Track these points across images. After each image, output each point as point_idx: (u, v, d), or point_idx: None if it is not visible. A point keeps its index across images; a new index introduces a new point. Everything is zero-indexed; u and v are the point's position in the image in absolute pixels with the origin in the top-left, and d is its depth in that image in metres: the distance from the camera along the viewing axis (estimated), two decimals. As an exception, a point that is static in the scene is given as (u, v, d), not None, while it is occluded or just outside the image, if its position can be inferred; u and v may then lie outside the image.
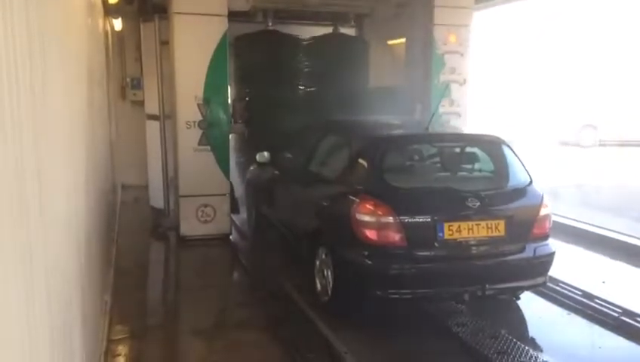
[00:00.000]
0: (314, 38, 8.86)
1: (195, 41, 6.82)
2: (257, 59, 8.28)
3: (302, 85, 8.56)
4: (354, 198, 4.64)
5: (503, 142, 5.11)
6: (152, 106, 8.28)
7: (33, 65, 1.77)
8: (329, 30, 9.10)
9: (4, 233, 1.29)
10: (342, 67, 8.55)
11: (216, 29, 6.84)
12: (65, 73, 2.77)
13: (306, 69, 8.72)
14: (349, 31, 9.66)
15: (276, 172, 6.68)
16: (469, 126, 7.84)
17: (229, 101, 7.42)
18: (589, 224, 7.56)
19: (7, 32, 1.40)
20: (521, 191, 4.93)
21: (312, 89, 8.53)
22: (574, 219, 7.61)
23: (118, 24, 9.18)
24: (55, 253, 2.06)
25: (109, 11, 7.98)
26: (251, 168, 7.71)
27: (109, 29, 8.61)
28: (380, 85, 9.14)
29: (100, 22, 6.81)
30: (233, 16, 7.54)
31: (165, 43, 7.45)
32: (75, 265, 2.74)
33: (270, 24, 8.43)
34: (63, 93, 2.62)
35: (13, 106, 1.44)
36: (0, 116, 1.30)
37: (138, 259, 6.91)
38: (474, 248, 4.60)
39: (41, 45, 1.94)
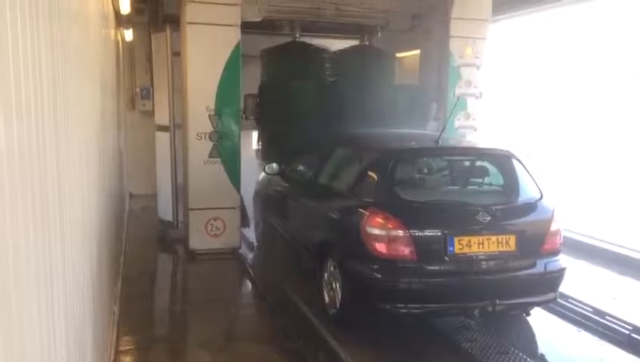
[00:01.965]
0: (340, 50, 8.88)
1: (208, 51, 6.83)
2: (284, 70, 8.25)
3: (325, 94, 8.43)
4: (364, 211, 4.63)
5: (514, 156, 5.10)
6: (162, 117, 8.31)
7: (56, 76, 1.79)
8: (353, 43, 9.11)
9: (29, 236, 1.30)
10: (366, 79, 8.48)
11: (229, 39, 6.85)
12: (81, 83, 2.80)
13: (330, 79, 8.70)
14: (352, 42, 9.68)
15: (285, 183, 6.68)
16: (484, 140, 7.78)
17: (241, 110, 7.37)
18: (598, 239, 7.51)
19: (33, 45, 1.42)
20: (531, 206, 4.91)
21: (335, 98, 8.40)
22: (582, 234, 7.56)
23: (129, 35, 9.26)
24: (71, 260, 2.06)
25: (121, 22, 8.05)
26: (260, 179, 7.71)
27: (120, 39, 8.68)
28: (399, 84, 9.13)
29: (112, 32, 6.87)
30: (259, 28, 7.60)
31: (177, 54, 7.49)
32: (88, 272, 2.74)
33: (297, 36, 8.44)
34: (79, 101, 2.65)
35: (37, 111, 1.46)
36: (26, 123, 1.32)
37: (146, 271, 6.90)
38: (484, 263, 4.58)
39: (62, 57, 1.96)
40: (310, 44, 8.52)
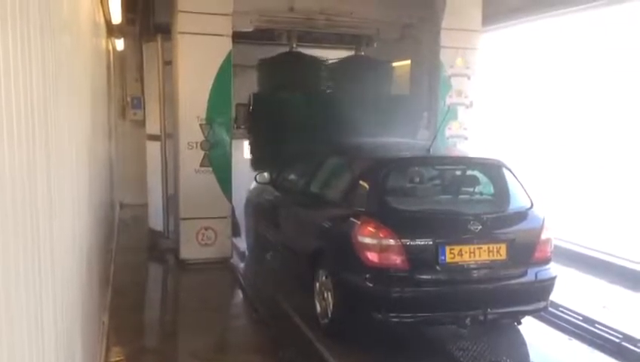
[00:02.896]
0: (336, 60, 8.95)
1: (199, 61, 6.84)
2: (280, 80, 8.29)
3: (317, 104, 8.47)
4: (355, 220, 4.64)
5: (504, 165, 5.13)
6: (153, 126, 8.28)
7: (46, 85, 1.78)
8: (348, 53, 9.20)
9: (19, 245, 1.29)
10: (359, 88, 8.51)
11: (221, 49, 6.86)
12: (72, 92, 2.79)
13: (326, 89, 8.74)
14: (348, 52, 9.77)
15: (277, 192, 6.67)
16: (475, 149, 7.82)
17: (232, 119, 7.37)
18: (588, 248, 7.54)
19: (24, 54, 1.42)
20: (522, 215, 4.94)
21: (327, 108, 8.43)
22: (573, 243, 7.60)
23: (120, 44, 9.26)
24: (61, 270, 2.05)
25: (112, 31, 8.05)
26: (251, 188, 7.69)
27: (111, 49, 8.67)
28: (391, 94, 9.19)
29: (103, 42, 6.87)
30: (256, 38, 7.62)
31: (168, 63, 7.48)
32: (77, 282, 2.72)
33: (294, 46, 8.50)
34: (70, 110, 2.64)
35: (28, 121, 1.46)
36: (17, 132, 1.32)
37: (136, 281, 6.84)
38: (475, 272, 4.59)
39: (53, 66, 1.96)
40: (306, 54, 8.57)
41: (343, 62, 8.89)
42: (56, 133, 1.96)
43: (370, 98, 8.28)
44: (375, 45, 8.94)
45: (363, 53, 9.04)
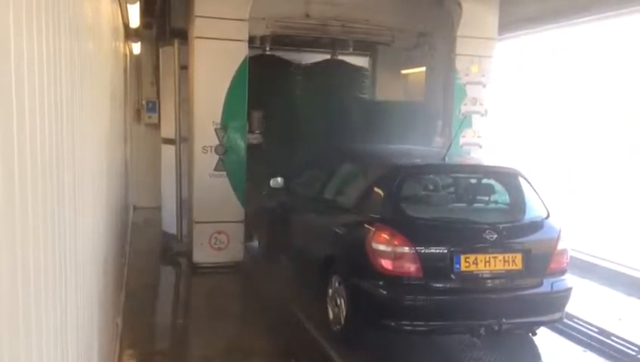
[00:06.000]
0: (313, 63, 9.11)
1: (215, 66, 6.86)
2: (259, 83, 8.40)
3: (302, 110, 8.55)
4: (370, 227, 4.62)
5: (520, 174, 5.09)
6: (168, 130, 8.33)
7: (74, 88, 1.80)
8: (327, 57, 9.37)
9: (47, 250, 1.30)
10: (341, 91, 8.67)
11: (237, 54, 6.89)
12: (95, 95, 2.82)
13: (306, 94, 8.90)
14: (363, 59, 9.82)
15: (290, 198, 6.67)
16: (489, 157, 7.78)
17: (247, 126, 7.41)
18: (604, 259, 7.47)
19: (56, 58, 1.44)
20: (538, 225, 4.90)
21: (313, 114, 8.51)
22: (589, 254, 7.52)
23: (136, 48, 9.33)
24: (83, 273, 2.06)
25: (129, 35, 8.12)
26: (264, 193, 7.69)
27: (127, 52, 8.74)
28: (400, 100, 9.22)
29: (121, 45, 6.93)
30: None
31: (184, 67, 7.53)
32: (95, 285, 2.74)
33: (268, 49, 8.60)
34: (93, 112, 2.67)
35: (57, 118, 1.48)
36: (48, 133, 1.33)
37: (149, 284, 6.86)
38: (490, 281, 4.56)
39: (80, 70, 1.98)
40: (285, 58, 8.74)
41: (321, 65, 9.06)
42: (80, 131, 1.98)
43: (383, 104, 8.32)
44: (351, 50, 9.07)
45: (337, 57, 9.20)
